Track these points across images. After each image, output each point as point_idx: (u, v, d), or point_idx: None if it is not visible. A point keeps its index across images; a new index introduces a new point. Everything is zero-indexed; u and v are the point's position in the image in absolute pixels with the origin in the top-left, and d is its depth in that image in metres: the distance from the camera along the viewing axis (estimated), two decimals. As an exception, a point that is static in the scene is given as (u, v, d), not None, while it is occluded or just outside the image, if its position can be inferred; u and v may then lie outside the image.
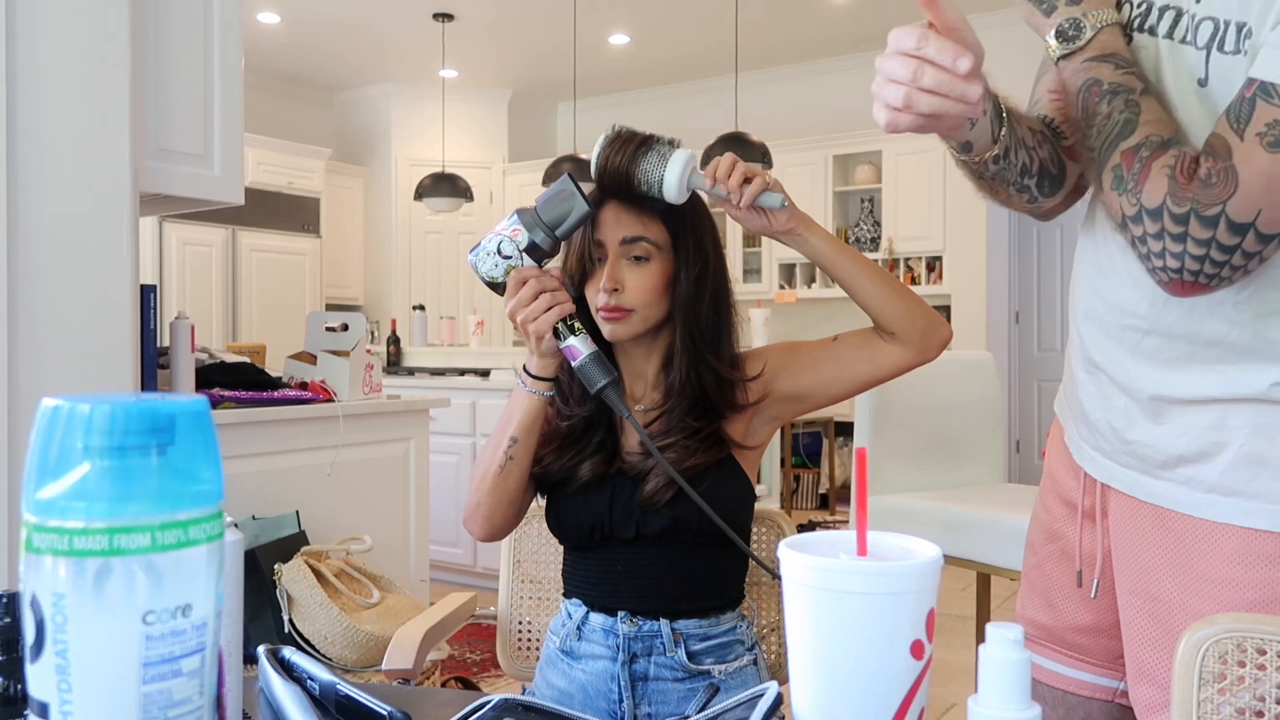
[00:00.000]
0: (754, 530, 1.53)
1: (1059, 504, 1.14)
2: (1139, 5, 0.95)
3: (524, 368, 1.28)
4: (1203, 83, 0.88)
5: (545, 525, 1.40)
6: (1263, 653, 0.87)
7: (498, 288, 1.25)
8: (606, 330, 1.29)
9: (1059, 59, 0.93)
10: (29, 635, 0.45)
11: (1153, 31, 0.94)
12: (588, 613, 1.31)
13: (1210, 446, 0.95)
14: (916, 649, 0.62)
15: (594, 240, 1.29)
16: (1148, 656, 1.00)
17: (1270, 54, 0.78)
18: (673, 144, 1.24)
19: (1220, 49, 0.86)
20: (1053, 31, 0.93)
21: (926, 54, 0.80)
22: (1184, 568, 0.97)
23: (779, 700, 0.73)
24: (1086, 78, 0.91)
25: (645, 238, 1.28)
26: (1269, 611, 0.91)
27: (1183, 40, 0.90)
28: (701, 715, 0.75)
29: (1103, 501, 1.07)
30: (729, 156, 1.23)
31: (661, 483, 1.25)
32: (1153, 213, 0.83)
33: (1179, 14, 0.90)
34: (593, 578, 1.32)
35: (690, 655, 1.28)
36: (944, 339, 1.28)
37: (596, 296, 1.28)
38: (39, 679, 0.45)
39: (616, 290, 1.27)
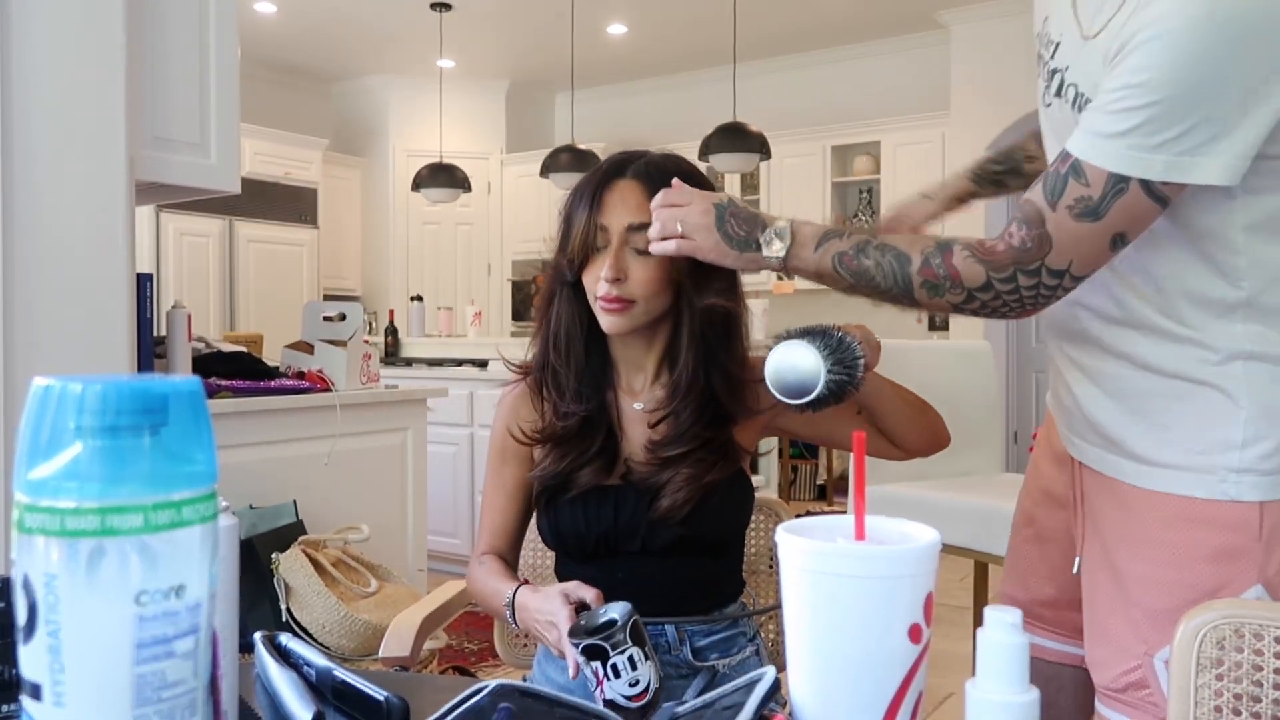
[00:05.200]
0: (752, 519, 1.53)
1: (1039, 492, 1.27)
2: (1045, 78, 1.11)
3: (513, 608, 1.19)
4: None
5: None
6: (1260, 638, 0.87)
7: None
8: (605, 322, 1.23)
9: (783, 261, 1.07)
10: (21, 616, 0.45)
11: (1040, 74, 1.11)
12: None
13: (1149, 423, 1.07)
14: (914, 633, 0.62)
15: (598, 224, 1.22)
16: (1104, 618, 1.10)
17: (1079, 133, 0.94)
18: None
19: (1078, 111, 1.00)
20: (767, 248, 1.07)
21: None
22: (1131, 533, 1.08)
23: (776, 685, 0.72)
24: (830, 256, 1.05)
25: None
26: (1190, 567, 1.01)
27: (1058, 94, 1.05)
28: (699, 699, 0.75)
29: (1081, 485, 1.16)
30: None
31: (679, 499, 1.20)
32: (982, 287, 1.00)
33: (1054, 73, 1.06)
34: (591, 584, 1.29)
35: (695, 652, 1.26)
36: (940, 449, 1.32)
37: (596, 285, 1.22)
38: (31, 660, 0.45)
39: (619, 280, 1.20)
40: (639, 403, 1.29)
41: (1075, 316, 1.10)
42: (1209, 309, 1.00)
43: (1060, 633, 1.26)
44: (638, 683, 0.98)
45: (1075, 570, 1.16)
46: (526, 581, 1.22)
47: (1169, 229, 0.99)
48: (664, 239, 1.12)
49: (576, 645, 1.00)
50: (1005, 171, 1.39)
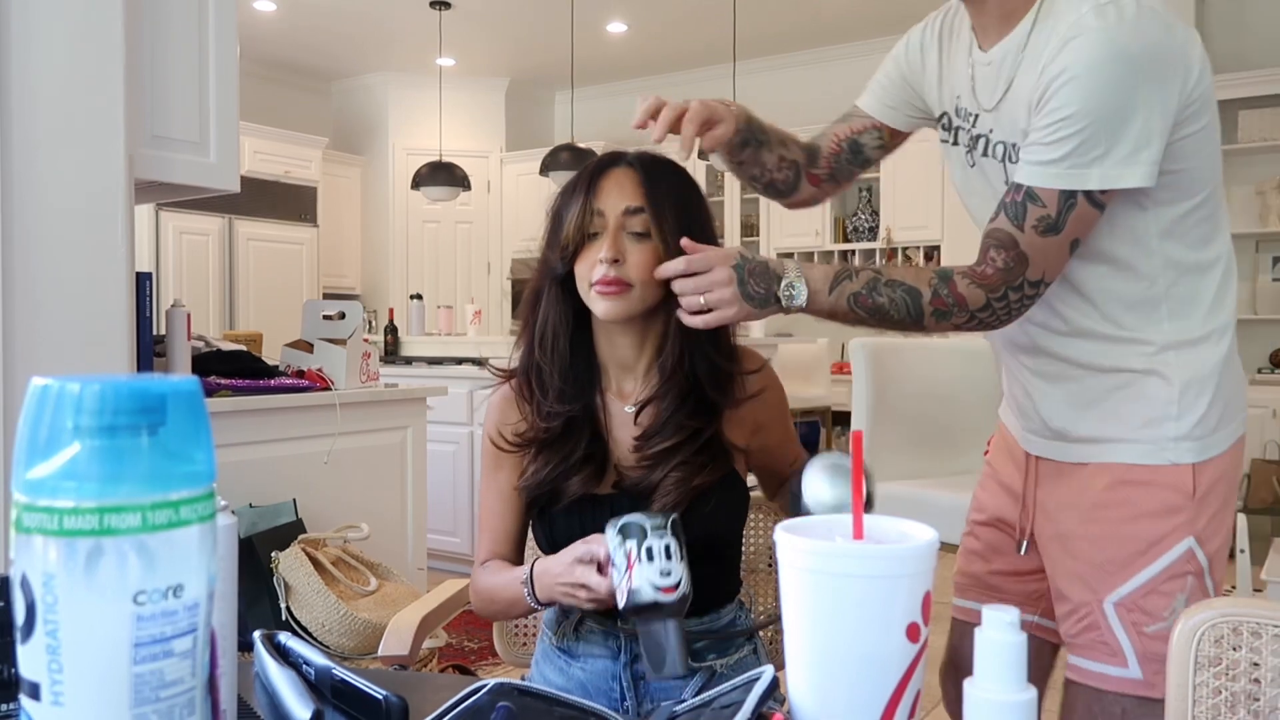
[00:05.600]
0: (751, 516, 1.53)
1: (996, 486, 1.45)
2: (939, 117, 1.33)
3: (531, 583, 1.18)
4: (1007, 183, 1.18)
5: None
6: (1258, 635, 0.87)
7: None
8: (600, 307, 1.21)
9: (803, 309, 1.17)
10: (19, 616, 0.45)
11: (955, 143, 1.30)
12: (584, 615, 1.25)
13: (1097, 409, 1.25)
14: (912, 632, 0.62)
15: (594, 209, 1.21)
16: (1060, 582, 1.29)
17: (1024, 167, 1.13)
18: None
19: (1011, 162, 1.19)
20: (788, 303, 1.15)
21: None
22: (1077, 501, 1.26)
23: (775, 684, 0.72)
24: (845, 298, 1.16)
25: (647, 209, 1.20)
26: (1131, 523, 1.19)
27: (985, 155, 1.25)
28: (698, 699, 0.75)
29: (1035, 476, 1.34)
30: None
31: (669, 503, 1.19)
32: (983, 308, 1.16)
33: (977, 138, 1.26)
34: None
35: (693, 652, 1.25)
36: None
37: (592, 270, 1.19)
38: (30, 660, 0.45)
39: (617, 261, 1.18)
40: (629, 405, 1.27)
41: (1025, 332, 1.27)
42: (1137, 310, 1.20)
43: (1012, 601, 1.37)
44: (669, 573, 0.93)
45: (1021, 551, 1.37)
46: None
47: (1092, 252, 1.18)
48: (693, 313, 1.15)
49: (614, 524, 0.97)
50: (758, 145, 1.39)
